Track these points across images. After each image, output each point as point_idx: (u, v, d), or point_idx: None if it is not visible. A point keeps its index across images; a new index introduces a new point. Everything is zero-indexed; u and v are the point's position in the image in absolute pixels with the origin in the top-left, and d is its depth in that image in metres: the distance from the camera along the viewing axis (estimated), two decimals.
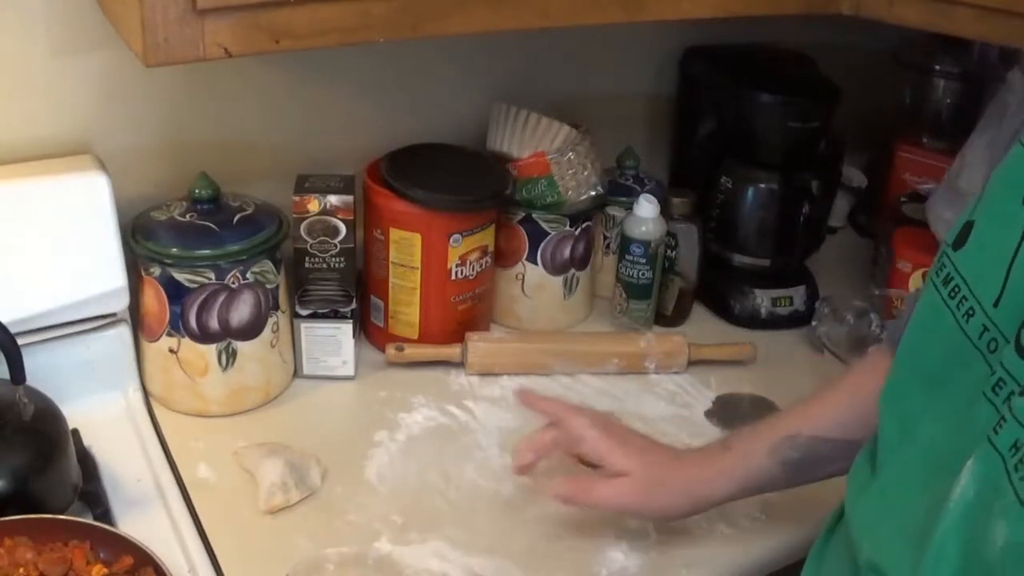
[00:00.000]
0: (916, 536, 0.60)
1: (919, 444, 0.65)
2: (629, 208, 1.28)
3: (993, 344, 0.59)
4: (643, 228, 1.25)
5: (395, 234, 1.16)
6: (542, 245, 1.26)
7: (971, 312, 0.61)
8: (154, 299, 1.06)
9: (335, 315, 1.14)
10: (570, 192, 1.24)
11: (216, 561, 0.91)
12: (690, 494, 0.89)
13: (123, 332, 1.08)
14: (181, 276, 1.04)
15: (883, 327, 1.25)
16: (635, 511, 0.93)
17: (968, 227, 0.65)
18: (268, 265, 1.07)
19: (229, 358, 1.07)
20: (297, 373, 1.16)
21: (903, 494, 0.65)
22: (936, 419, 0.64)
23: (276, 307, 1.10)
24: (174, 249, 1.04)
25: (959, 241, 0.65)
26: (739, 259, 1.36)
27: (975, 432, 0.58)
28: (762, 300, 1.34)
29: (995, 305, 0.60)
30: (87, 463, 0.98)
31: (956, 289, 0.63)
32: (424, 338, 1.20)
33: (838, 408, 0.88)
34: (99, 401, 1.07)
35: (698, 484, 0.89)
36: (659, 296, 1.31)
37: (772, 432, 0.88)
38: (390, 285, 1.19)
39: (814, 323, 1.29)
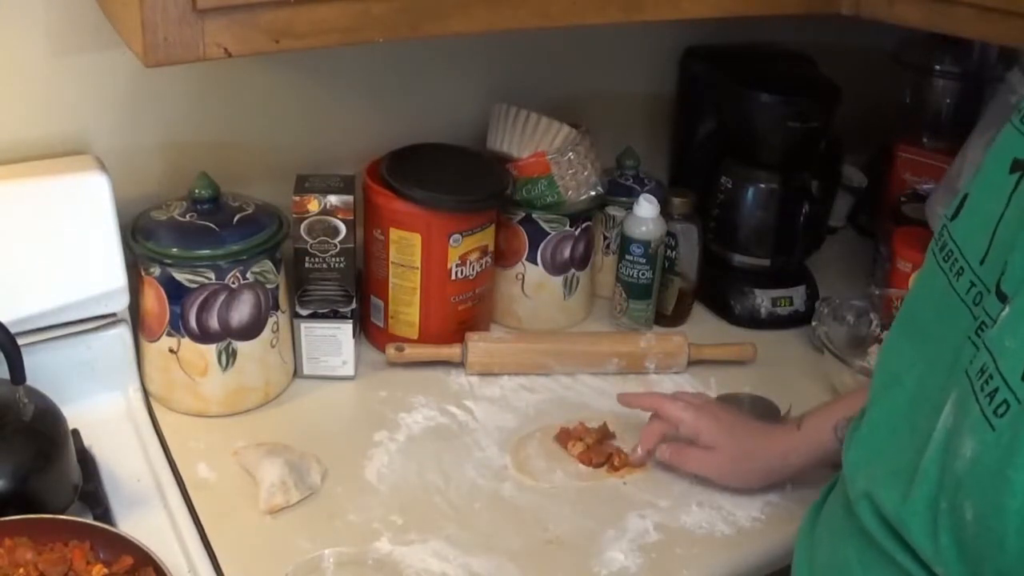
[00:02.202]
0: (906, 469, 0.64)
1: (906, 389, 0.69)
2: (629, 208, 1.28)
3: (978, 297, 0.63)
4: (643, 228, 1.25)
5: (395, 234, 1.16)
6: (542, 245, 1.26)
7: (961, 271, 0.66)
8: (154, 299, 1.06)
9: (335, 315, 1.14)
10: (570, 192, 1.24)
11: (216, 561, 0.91)
12: (768, 466, 1.01)
13: (123, 332, 1.08)
14: (181, 276, 1.04)
15: (883, 327, 1.25)
16: (721, 479, 1.02)
17: (964, 199, 0.70)
18: (268, 265, 1.07)
19: (229, 358, 1.07)
20: (297, 373, 1.16)
21: (892, 434, 0.69)
22: (923, 366, 0.68)
23: (276, 307, 1.10)
24: (174, 249, 1.04)
25: (955, 212, 0.70)
26: (739, 259, 1.36)
27: (957, 371, 0.61)
28: (762, 300, 1.34)
29: (981, 263, 0.64)
30: (87, 463, 0.98)
31: (950, 253, 0.68)
32: (424, 338, 1.20)
33: None
34: (99, 401, 1.07)
35: (775, 458, 1.00)
36: (659, 296, 1.31)
37: (834, 412, 0.96)
38: (390, 285, 1.19)
39: (814, 323, 1.28)
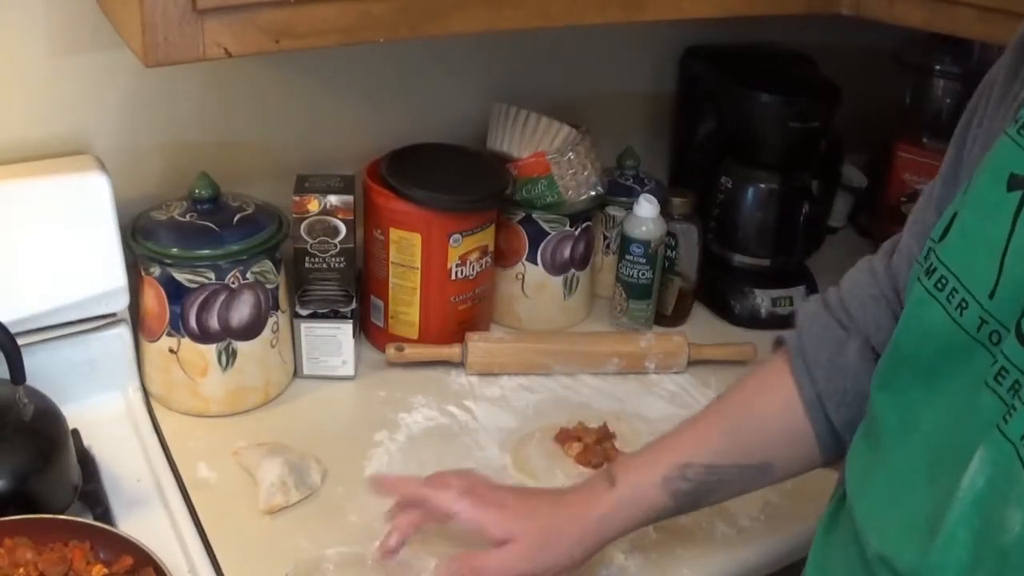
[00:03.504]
0: (924, 527, 0.60)
1: (922, 434, 0.64)
2: (629, 208, 1.28)
3: (995, 336, 0.58)
4: (643, 228, 1.25)
5: (395, 234, 1.16)
6: (542, 245, 1.26)
7: (964, 304, 0.60)
8: (154, 299, 1.06)
9: (335, 315, 1.14)
10: (570, 192, 1.24)
11: (216, 561, 0.91)
12: (582, 542, 0.83)
13: (123, 332, 1.08)
14: (181, 276, 1.04)
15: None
16: (534, 572, 0.83)
17: (952, 219, 0.64)
18: (268, 265, 1.07)
19: (229, 358, 1.07)
20: (297, 373, 1.16)
21: (908, 486, 0.64)
22: (938, 410, 0.64)
23: (276, 307, 1.10)
24: (174, 249, 1.04)
25: (943, 233, 0.65)
26: (739, 259, 1.36)
27: (978, 421, 0.58)
28: (762, 300, 1.34)
29: (991, 297, 0.59)
30: (87, 463, 0.98)
31: (943, 281, 0.62)
32: (424, 338, 1.20)
33: (731, 432, 0.85)
34: (99, 401, 1.07)
35: (588, 530, 0.83)
36: (659, 296, 1.31)
37: (661, 463, 0.84)
38: (390, 285, 1.19)
39: None
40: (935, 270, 0.64)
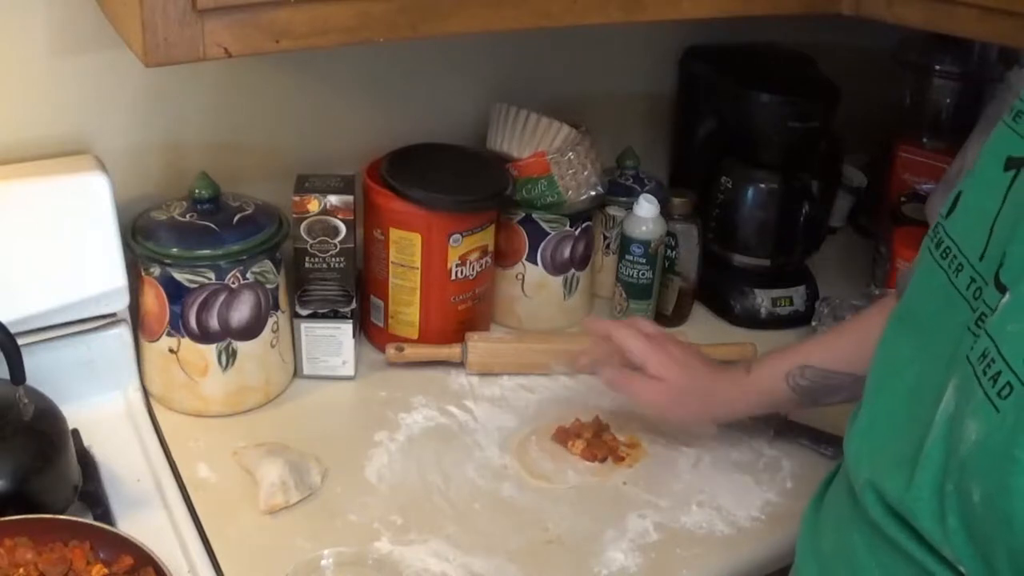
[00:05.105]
0: (908, 458, 0.65)
1: (905, 381, 0.70)
2: (629, 208, 1.28)
3: (978, 292, 0.64)
4: (643, 228, 1.25)
5: (395, 234, 1.16)
6: (542, 245, 1.26)
7: (960, 267, 0.67)
8: (154, 299, 1.06)
9: (335, 315, 1.14)
10: (570, 192, 1.24)
11: (216, 561, 0.91)
12: (712, 406, 1.02)
13: (123, 332, 1.08)
14: (181, 276, 1.04)
15: None
16: (663, 412, 1.04)
17: (957, 197, 0.70)
18: (268, 265, 1.07)
19: (229, 358, 1.07)
20: (297, 373, 1.16)
21: (892, 425, 0.70)
22: (923, 359, 0.69)
23: (276, 307, 1.10)
24: (174, 249, 1.04)
25: (950, 209, 0.71)
26: (739, 259, 1.36)
27: (955, 361, 0.62)
28: (762, 300, 1.34)
29: (980, 259, 0.65)
30: (87, 463, 0.98)
31: (947, 251, 0.69)
32: (424, 338, 1.20)
33: (847, 345, 0.97)
34: (99, 401, 1.07)
35: (721, 399, 1.01)
36: (659, 296, 1.31)
37: (788, 360, 0.98)
38: (390, 285, 1.19)
39: (814, 323, 1.28)
40: (942, 242, 0.70)
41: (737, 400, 1.01)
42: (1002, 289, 0.60)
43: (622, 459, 1.06)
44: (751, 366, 1.02)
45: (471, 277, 1.19)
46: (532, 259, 1.27)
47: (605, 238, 1.35)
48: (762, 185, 1.32)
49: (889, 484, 0.67)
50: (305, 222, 1.12)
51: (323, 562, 0.90)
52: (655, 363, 1.01)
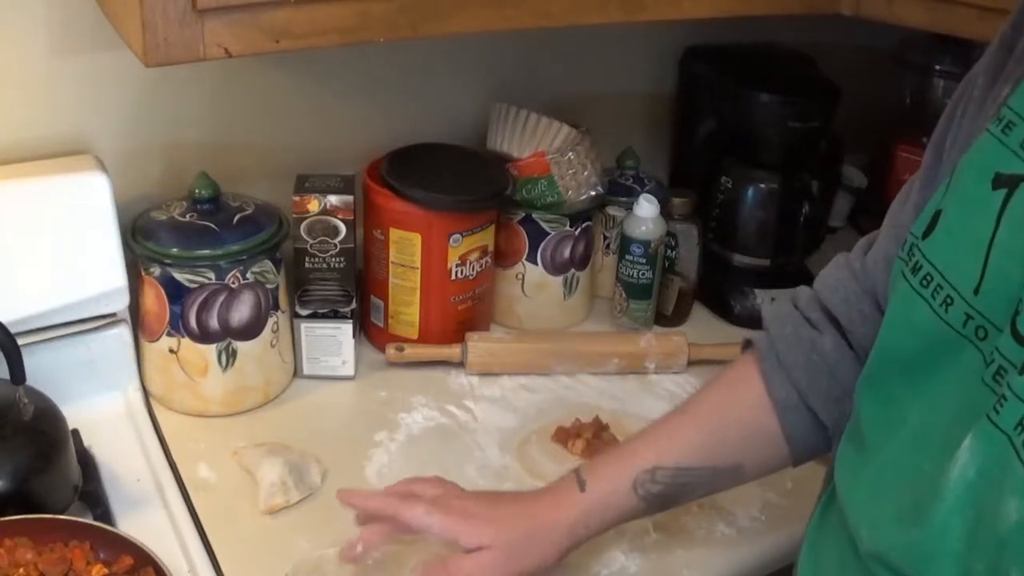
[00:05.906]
0: (913, 519, 0.60)
1: (908, 430, 0.65)
2: (629, 208, 1.28)
3: (982, 332, 0.59)
4: (643, 228, 1.25)
5: (395, 234, 1.16)
6: (542, 245, 1.26)
7: (949, 301, 0.61)
8: (154, 299, 1.06)
9: (335, 315, 1.14)
10: (570, 192, 1.24)
11: (216, 561, 0.91)
12: (555, 547, 0.83)
13: (123, 332, 1.08)
14: (181, 276, 1.04)
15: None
16: None
17: (937, 216, 0.64)
18: (268, 265, 1.07)
19: (229, 358, 1.07)
20: (297, 373, 1.16)
21: (897, 478, 0.64)
22: (924, 406, 0.64)
23: (276, 307, 1.10)
24: (174, 249, 1.04)
25: (928, 230, 0.65)
26: (739, 259, 1.36)
27: (967, 414, 0.58)
28: (762, 300, 1.34)
29: (976, 292, 0.59)
30: (87, 463, 0.98)
31: (928, 278, 0.63)
32: (424, 338, 1.20)
33: (701, 434, 0.85)
34: (99, 401, 1.07)
35: (560, 535, 0.84)
36: (659, 296, 1.31)
37: (631, 465, 0.84)
38: (390, 285, 1.19)
39: None
40: (920, 267, 0.64)
41: (578, 524, 0.83)
42: (1022, 341, 0.55)
43: None
44: (584, 480, 0.84)
45: (471, 277, 1.19)
46: (532, 259, 1.27)
47: (605, 238, 1.35)
48: (762, 185, 1.32)
49: (894, 547, 0.62)
50: (305, 222, 1.12)
51: (323, 562, 0.90)
52: (466, 533, 0.82)
